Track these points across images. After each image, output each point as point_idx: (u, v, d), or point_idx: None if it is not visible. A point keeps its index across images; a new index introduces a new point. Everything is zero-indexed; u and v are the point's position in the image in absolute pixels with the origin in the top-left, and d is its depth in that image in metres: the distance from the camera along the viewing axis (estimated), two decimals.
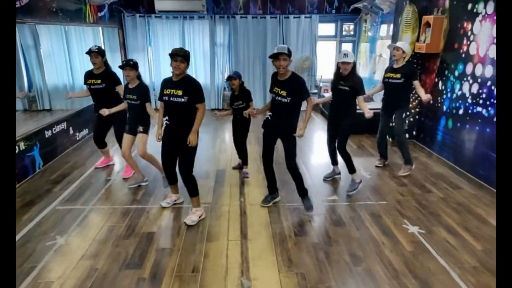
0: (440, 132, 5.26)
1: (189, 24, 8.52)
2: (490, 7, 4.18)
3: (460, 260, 3.04)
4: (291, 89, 3.48)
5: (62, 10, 5.57)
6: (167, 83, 3.45)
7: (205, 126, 7.34)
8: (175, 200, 4.00)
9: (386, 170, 5.05)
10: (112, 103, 4.46)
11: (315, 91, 8.56)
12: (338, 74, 4.14)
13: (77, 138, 5.98)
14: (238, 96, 4.50)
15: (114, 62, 7.90)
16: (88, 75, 4.61)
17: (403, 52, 4.51)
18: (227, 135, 6.81)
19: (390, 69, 4.67)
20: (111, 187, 4.50)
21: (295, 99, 3.51)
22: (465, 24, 4.66)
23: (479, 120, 4.39)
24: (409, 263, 3.00)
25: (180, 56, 3.25)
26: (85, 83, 4.62)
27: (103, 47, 7.33)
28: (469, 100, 4.57)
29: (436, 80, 5.35)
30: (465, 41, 4.65)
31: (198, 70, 8.89)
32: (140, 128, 4.18)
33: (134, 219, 3.71)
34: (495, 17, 4.12)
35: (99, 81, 4.55)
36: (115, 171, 5.02)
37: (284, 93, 3.50)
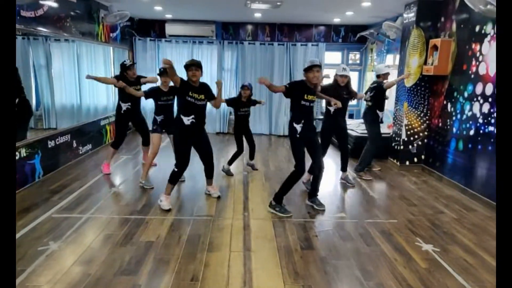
0: (451, 154, 5.13)
1: (198, 49, 8.67)
2: None
3: (480, 279, 2.83)
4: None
5: (76, 26, 5.68)
6: (190, 87, 3.90)
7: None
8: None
9: (395, 191, 4.88)
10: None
11: (321, 117, 8.52)
12: (336, 85, 4.63)
13: (80, 152, 5.89)
14: (246, 104, 5.12)
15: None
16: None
17: None
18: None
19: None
20: (111, 198, 4.36)
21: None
22: (473, 46, 4.66)
23: (492, 140, 4.28)
24: (425, 280, 2.79)
25: (194, 65, 3.85)
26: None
27: (112, 68, 7.55)
28: (480, 120, 4.48)
29: (445, 102, 5.30)
30: (474, 62, 4.64)
31: None
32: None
33: (132, 228, 3.54)
34: None
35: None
36: (117, 182, 4.92)
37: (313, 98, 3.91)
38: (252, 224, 3.71)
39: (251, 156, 5.59)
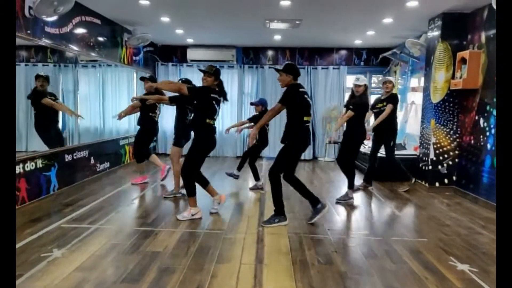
0: (486, 173, 4.73)
1: None
2: None
3: None
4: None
5: (99, 46, 5.84)
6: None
7: (228, 169, 7.11)
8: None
9: (424, 211, 4.50)
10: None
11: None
12: (352, 95, 4.80)
13: (98, 169, 5.86)
14: (259, 117, 4.96)
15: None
16: None
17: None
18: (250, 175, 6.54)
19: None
20: (123, 211, 4.22)
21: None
22: None
23: None
24: None
25: (206, 72, 3.96)
26: None
27: (135, 91, 7.67)
28: None
29: (477, 117, 4.96)
30: None
31: (225, 118, 8.87)
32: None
33: (140, 239, 3.36)
34: None
35: None
36: (132, 197, 4.81)
37: None
38: (267, 239, 3.45)
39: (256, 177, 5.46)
